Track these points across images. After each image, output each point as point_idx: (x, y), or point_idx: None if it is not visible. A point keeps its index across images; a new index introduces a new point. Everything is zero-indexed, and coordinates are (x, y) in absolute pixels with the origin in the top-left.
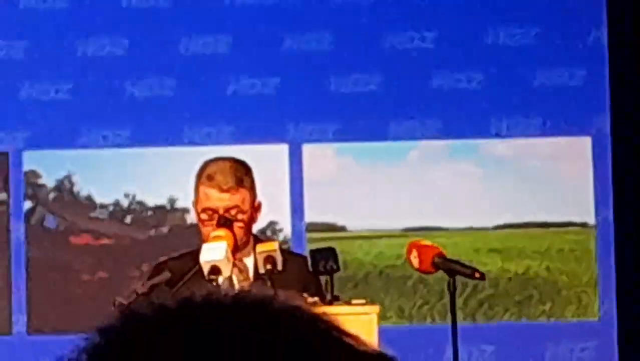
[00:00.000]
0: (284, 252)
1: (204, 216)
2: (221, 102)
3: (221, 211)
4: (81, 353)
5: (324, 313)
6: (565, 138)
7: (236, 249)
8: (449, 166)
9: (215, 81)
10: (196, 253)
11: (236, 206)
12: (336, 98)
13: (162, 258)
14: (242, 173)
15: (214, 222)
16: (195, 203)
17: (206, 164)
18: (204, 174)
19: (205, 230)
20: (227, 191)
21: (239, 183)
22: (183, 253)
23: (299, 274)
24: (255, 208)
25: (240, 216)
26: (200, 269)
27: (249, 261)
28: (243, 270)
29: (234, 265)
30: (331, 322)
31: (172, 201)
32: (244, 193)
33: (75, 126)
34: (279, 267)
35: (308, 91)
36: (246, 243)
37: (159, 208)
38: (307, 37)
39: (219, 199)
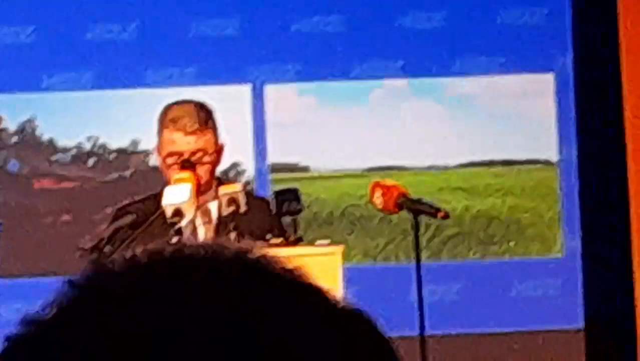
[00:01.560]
0: (247, 195)
1: (169, 160)
2: (183, 44)
3: (187, 155)
4: (51, 308)
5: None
6: (528, 75)
7: (199, 192)
8: (412, 105)
9: (176, 22)
10: (159, 196)
11: (202, 149)
12: (298, 38)
13: (125, 202)
14: (206, 116)
15: (177, 165)
16: (160, 147)
17: (169, 108)
18: (167, 118)
19: (168, 173)
20: (192, 133)
21: (204, 126)
22: (146, 196)
23: (262, 215)
24: (219, 150)
25: (205, 159)
26: (163, 212)
27: (212, 205)
28: (207, 213)
29: (198, 208)
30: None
31: (134, 143)
32: (208, 136)
33: (38, 69)
34: (242, 209)
35: (270, 31)
36: (210, 186)
37: (121, 151)
38: None
39: (184, 143)
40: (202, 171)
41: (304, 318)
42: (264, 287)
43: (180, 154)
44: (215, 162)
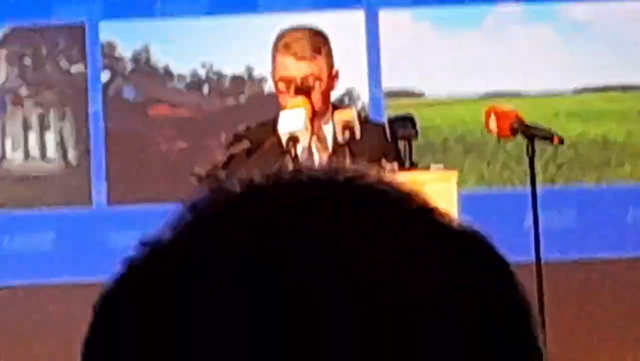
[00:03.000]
0: (362, 120)
1: (281, 85)
2: None
3: (298, 80)
4: (168, 232)
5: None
6: None
7: (314, 117)
8: (526, 30)
9: None
10: (274, 122)
11: (313, 74)
12: None
13: (240, 128)
14: (319, 42)
15: (292, 91)
16: (273, 72)
17: (283, 34)
18: (281, 43)
19: (282, 99)
20: (303, 59)
21: (316, 51)
22: (262, 122)
23: (377, 141)
24: (333, 77)
25: (317, 85)
26: (279, 138)
27: (327, 130)
28: (322, 139)
29: (313, 134)
30: (428, 204)
31: (249, 70)
32: (321, 61)
33: None
34: (357, 135)
35: None
36: (324, 112)
37: (236, 78)
38: None
39: (296, 68)
40: (315, 97)
41: (418, 244)
42: (378, 213)
43: (291, 79)
44: (330, 88)
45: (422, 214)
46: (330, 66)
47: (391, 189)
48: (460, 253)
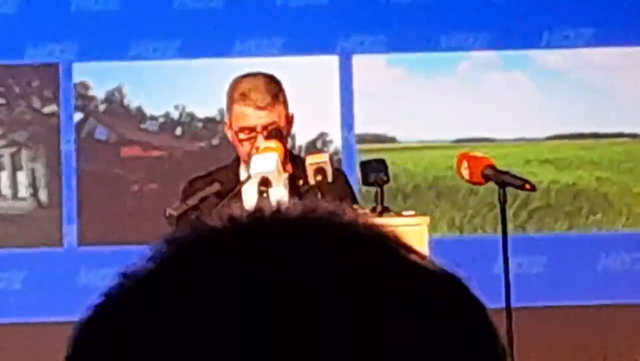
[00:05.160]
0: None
1: (242, 135)
2: (271, 14)
3: (259, 129)
4: (148, 264)
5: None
6: (617, 48)
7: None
8: (500, 77)
9: None
10: (235, 166)
11: (274, 122)
12: (387, 9)
13: (199, 173)
14: (275, 89)
15: (253, 140)
16: (231, 122)
17: (238, 82)
18: (237, 93)
19: (243, 149)
20: (263, 108)
21: (275, 99)
22: (223, 166)
23: (348, 187)
24: (289, 121)
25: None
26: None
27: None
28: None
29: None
30: (403, 241)
31: (222, 112)
32: (279, 109)
33: (126, 37)
34: (329, 178)
35: (359, 2)
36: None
37: (209, 120)
38: None
39: (256, 117)
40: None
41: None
42: (358, 247)
43: (252, 128)
44: (288, 134)
45: (400, 251)
46: (287, 111)
47: (372, 227)
48: (439, 291)
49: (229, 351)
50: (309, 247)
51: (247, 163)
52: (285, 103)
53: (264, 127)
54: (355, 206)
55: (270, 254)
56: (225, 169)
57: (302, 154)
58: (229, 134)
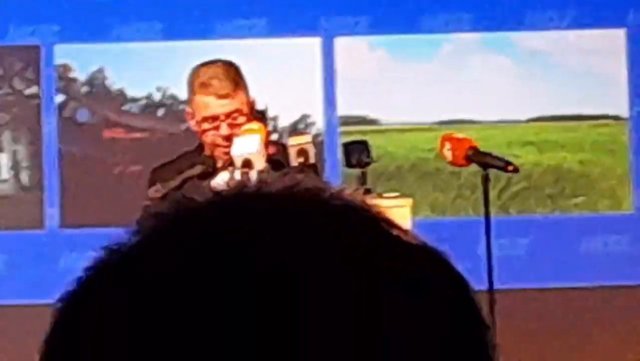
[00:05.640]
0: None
1: (205, 125)
2: None
3: (223, 118)
4: (132, 238)
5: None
6: (599, 30)
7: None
8: (482, 59)
9: None
10: (199, 151)
11: (237, 110)
12: None
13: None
14: (235, 75)
15: (219, 129)
16: (193, 112)
17: (197, 71)
18: (197, 82)
19: (208, 139)
20: (225, 97)
21: (236, 86)
22: (185, 152)
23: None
24: (252, 107)
25: (240, 120)
26: (233, 164)
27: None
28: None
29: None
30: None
31: None
32: (241, 96)
33: (108, 19)
34: (312, 160)
35: None
36: None
37: None
38: None
39: (219, 106)
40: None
41: (379, 251)
42: (348, 223)
43: (215, 117)
44: (250, 120)
45: (386, 226)
46: (248, 97)
47: (357, 203)
48: (431, 268)
49: (211, 327)
50: (297, 221)
51: (212, 152)
52: (246, 89)
53: (227, 115)
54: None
55: (256, 227)
56: (189, 155)
57: (284, 135)
58: (192, 123)
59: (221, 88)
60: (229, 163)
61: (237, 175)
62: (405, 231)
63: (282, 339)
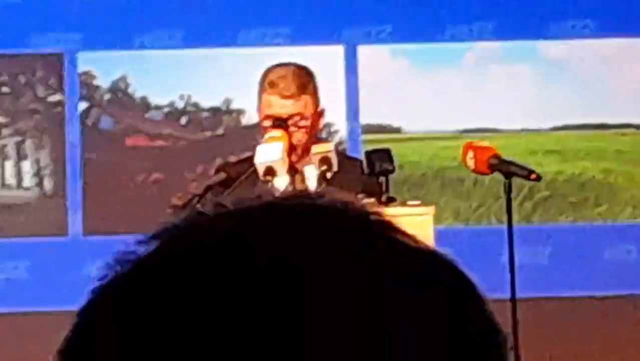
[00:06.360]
0: (340, 155)
1: (266, 123)
2: (277, 3)
3: (284, 118)
4: (138, 253)
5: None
6: (622, 39)
7: (292, 150)
8: (505, 68)
9: None
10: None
11: (298, 113)
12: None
13: (218, 160)
14: (305, 79)
15: (270, 125)
16: (258, 109)
17: (269, 70)
18: (266, 81)
19: (265, 137)
20: (289, 97)
21: (302, 90)
22: (245, 157)
23: (355, 176)
24: (318, 115)
25: (302, 123)
26: (256, 171)
27: (310, 169)
28: (304, 179)
29: (295, 172)
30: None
31: (227, 102)
32: (306, 100)
33: (131, 26)
34: (334, 168)
35: None
36: (308, 150)
37: (214, 109)
38: None
39: (280, 106)
40: (299, 135)
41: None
42: (354, 225)
43: (276, 117)
44: (314, 127)
45: (395, 232)
46: (316, 104)
47: (364, 213)
48: (437, 267)
49: (217, 329)
50: (301, 223)
51: None
52: (314, 95)
53: (289, 117)
54: (360, 196)
55: (261, 228)
56: (249, 158)
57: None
58: (256, 119)
59: (286, 89)
60: (290, 166)
61: (310, 174)
62: (414, 237)
63: (286, 335)
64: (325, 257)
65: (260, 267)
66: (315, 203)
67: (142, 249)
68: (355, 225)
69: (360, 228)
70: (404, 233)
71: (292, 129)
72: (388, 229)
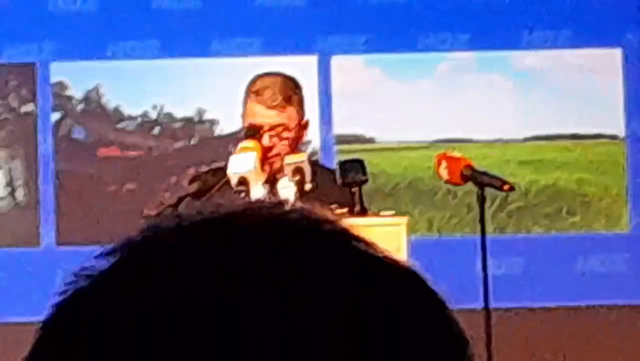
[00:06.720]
0: (313, 165)
1: (248, 132)
2: (250, 13)
3: (267, 128)
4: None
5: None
6: (595, 50)
7: (272, 160)
8: (478, 78)
9: None
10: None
11: (282, 124)
12: (365, 10)
13: (191, 171)
14: (291, 90)
15: (261, 139)
16: (243, 117)
17: (256, 78)
18: (252, 89)
19: None
20: (273, 108)
21: (287, 101)
22: (218, 167)
23: (328, 186)
24: (302, 126)
25: (285, 135)
26: (229, 181)
27: (284, 181)
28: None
29: (275, 182)
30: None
31: (200, 112)
32: (291, 111)
33: (104, 37)
34: (308, 178)
35: (338, 2)
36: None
37: (187, 120)
38: None
39: (265, 116)
40: (281, 146)
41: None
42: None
43: (260, 127)
44: (298, 138)
45: (358, 246)
46: (301, 115)
47: (328, 223)
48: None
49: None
50: (251, 234)
51: None
52: (300, 106)
53: (272, 127)
54: (333, 207)
55: (209, 243)
56: (223, 168)
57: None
58: (233, 128)
59: (272, 99)
60: (270, 175)
61: (282, 186)
62: (375, 245)
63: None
64: (271, 269)
65: (204, 281)
66: (271, 213)
67: (100, 263)
68: (309, 235)
69: (309, 231)
70: (367, 243)
71: (274, 140)
72: (345, 235)
